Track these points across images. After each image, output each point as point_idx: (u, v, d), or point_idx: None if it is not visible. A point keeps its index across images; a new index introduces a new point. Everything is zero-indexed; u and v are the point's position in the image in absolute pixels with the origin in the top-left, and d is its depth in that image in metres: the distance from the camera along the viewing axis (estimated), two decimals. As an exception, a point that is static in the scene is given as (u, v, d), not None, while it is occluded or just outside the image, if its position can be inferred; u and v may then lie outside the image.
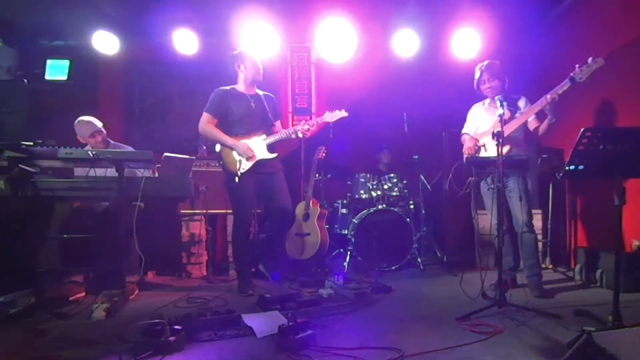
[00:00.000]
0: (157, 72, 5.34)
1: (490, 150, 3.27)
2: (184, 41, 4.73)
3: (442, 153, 4.75)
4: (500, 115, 2.84)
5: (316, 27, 4.80)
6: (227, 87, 3.52)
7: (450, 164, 4.62)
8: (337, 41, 4.84)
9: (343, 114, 3.59)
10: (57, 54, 4.81)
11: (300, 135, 3.46)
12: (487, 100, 3.49)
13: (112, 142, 3.89)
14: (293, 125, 3.62)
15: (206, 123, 3.44)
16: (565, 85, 2.88)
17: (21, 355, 2.15)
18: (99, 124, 3.76)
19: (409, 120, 4.71)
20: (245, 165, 3.41)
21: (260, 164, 3.44)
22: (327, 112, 3.58)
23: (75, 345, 2.24)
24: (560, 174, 2.37)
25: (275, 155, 3.49)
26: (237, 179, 3.41)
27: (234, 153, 3.43)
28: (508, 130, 3.12)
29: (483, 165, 3.13)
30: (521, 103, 3.35)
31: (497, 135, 2.77)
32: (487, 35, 4.69)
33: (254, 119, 3.47)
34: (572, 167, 2.28)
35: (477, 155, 3.35)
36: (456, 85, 4.67)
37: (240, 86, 3.52)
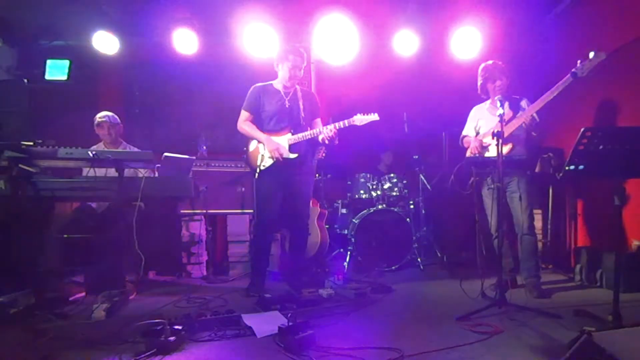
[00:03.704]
0: (157, 72, 5.34)
1: (494, 150, 3.26)
2: (184, 41, 4.72)
3: (442, 153, 4.75)
4: (501, 115, 2.84)
5: (316, 28, 4.79)
6: (265, 83, 3.50)
7: (450, 164, 4.64)
8: (337, 41, 4.83)
9: (374, 117, 3.29)
10: (57, 54, 4.81)
11: (325, 140, 3.32)
12: (489, 102, 3.49)
13: (123, 142, 3.96)
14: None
15: (242, 121, 3.48)
16: (567, 81, 2.88)
17: (21, 355, 2.15)
18: (104, 117, 3.83)
19: (409, 120, 4.71)
20: (267, 162, 3.37)
21: (284, 164, 3.34)
22: (359, 114, 3.31)
23: (75, 345, 2.24)
24: (560, 174, 2.37)
25: (296, 155, 3.34)
26: (256, 175, 3.39)
27: (259, 147, 3.41)
28: (510, 129, 3.12)
29: (483, 165, 3.13)
30: (523, 103, 3.35)
31: (498, 135, 2.77)
32: (488, 34, 4.68)
33: (285, 116, 3.41)
34: (572, 167, 2.28)
35: (480, 155, 3.34)
36: (456, 85, 4.68)
37: (277, 83, 3.48)
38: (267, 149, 3.35)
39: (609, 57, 2.83)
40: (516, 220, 3.29)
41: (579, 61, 2.85)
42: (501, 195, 2.87)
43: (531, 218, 3.28)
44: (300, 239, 3.57)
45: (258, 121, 3.47)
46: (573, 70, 2.85)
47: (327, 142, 3.34)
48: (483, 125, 3.46)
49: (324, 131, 3.31)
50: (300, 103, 3.45)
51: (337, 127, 3.30)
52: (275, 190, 3.39)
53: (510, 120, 3.16)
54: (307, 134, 3.36)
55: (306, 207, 3.52)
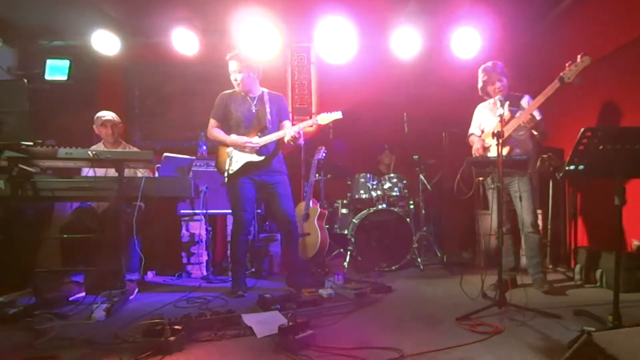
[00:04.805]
0: (157, 72, 5.35)
1: (493, 151, 3.25)
2: (184, 41, 4.73)
3: (442, 153, 4.75)
4: (500, 115, 2.84)
5: (316, 27, 4.79)
6: (232, 91, 3.52)
7: (450, 164, 4.64)
8: (337, 41, 4.84)
9: (337, 115, 3.38)
10: (57, 54, 4.82)
11: (290, 142, 3.35)
12: (492, 100, 3.47)
13: (123, 142, 3.97)
14: (293, 125, 3.53)
15: (211, 128, 3.51)
16: (555, 85, 2.86)
17: (21, 355, 2.15)
18: (107, 115, 3.83)
19: (409, 120, 4.72)
20: (234, 166, 3.39)
21: (253, 166, 3.39)
22: (323, 113, 3.41)
23: (75, 345, 2.24)
24: (560, 174, 2.37)
25: (263, 157, 3.39)
26: (226, 179, 3.41)
27: (227, 152, 3.43)
28: (509, 130, 3.12)
29: (483, 166, 3.13)
30: (524, 101, 3.33)
31: (497, 136, 2.77)
32: (487, 34, 4.68)
33: (252, 120, 3.45)
34: (572, 167, 2.28)
35: (484, 155, 3.33)
36: (456, 85, 4.68)
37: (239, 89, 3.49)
38: (238, 144, 3.38)
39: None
40: (520, 219, 3.31)
41: (567, 64, 2.82)
42: (501, 195, 2.86)
43: (534, 216, 3.29)
44: (291, 238, 3.57)
45: (226, 128, 3.50)
46: (561, 74, 2.82)
47: (292, 143, 3.37)
48: (486, 125, 3.47)
49: (288, 131, 3.36)
50: (267, 107, 3.48)
51: (301, 128, 3.39)
52: (247, 191, 3.42)
53: (509, 120, 3.16)
54: (272, 136, 3.40)
55: (290, 207, 3.52)
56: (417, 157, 4.72)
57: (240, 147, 3.38)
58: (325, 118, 3.40)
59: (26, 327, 2.53)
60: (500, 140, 2.77)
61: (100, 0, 4.41)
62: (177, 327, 2.22)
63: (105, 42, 4.70)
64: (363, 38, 4.92)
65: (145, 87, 5.35)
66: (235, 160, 3.40)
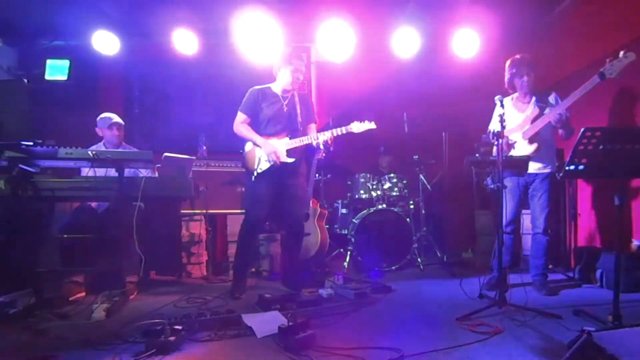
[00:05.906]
0: (157, 72, 5.34)
1: (519, 148, 3.23)
2: (184, 41, 4.73)
3: (442, 153, 4.76)
4: (501, 115, 2.83)
5: (316, 27, 4.79)
6: (263, 86, 3.50)
7: (450, 164, 4.64)
8: (337, 41, 4.84)
9: (371, 125, 3.40)
10: (57, 54, 4.81)
11: (321, 146, 3.35)
12: (515, 95, 3.41)
13: (124, 143, 3.96)
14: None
15: (239, 122, 3.46)
16: (594, 81, 2.78)
17: (21, 355, 2.15)
18: (116, 118, 3.86)
19: (409, 120, 4.72)
20: (264, 165, 3.38)
21: (280, 167, 3.37)
22: (356, 122, 3.40)
23: (75, 345, 2.24)
24: (560, 174, 2.38)
25: (293, 160, 3.38)
26: (253, 177, 3.39)
27: (256, 150, 3.42)
28: (536, 128, 3.10)
29: (483, 165, 3.13)
30: (551, 98, 3.26)
31: (497, 136, 2.77)
32: (487, 35, 4.68)
33: (283, 120, 3.43)
34: (572, 167, 2.29)
35: (506, 154, 3.29)
36: (456, 85, 4.68)
37: (276, 86, 3.49)
38: (264, 151, 3.36)
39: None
40: (533, 218, 3.32)
41: (607, 60, 2.73)
42: (501, 194, 2.86)
43: (548, 219, 3.28)
44: (297, 240, 3.60)
45: (255, 124, 3.47)
46: (601, 70, 2.73)
47: (322, 147, 3.37)
48: (508, 122, 3.41)
49: (321, 137, 3.35)
50: (298, 107, 3.47)
51: (334, 134, 3.35)
52: (268, 193, 3.41)
53: (536, 118, 3.13)
54: (304, 139, 3.38)
55: (302, 210, 3.57)
56: (417, 157, 4.73)
57: (268, 153, 3.34)
58: (359, 127, 3.38)
59: (26, 327, 2.53)
60: (501, 141, 2.77)
61: (100, 0, 4.41)
62: (177, 327, 2.23)
63: (105, 42, 4.70)
64: (363, 38, 4.91)
65: (145, 87, 5.35)
66: (265, 160, 3.38)
